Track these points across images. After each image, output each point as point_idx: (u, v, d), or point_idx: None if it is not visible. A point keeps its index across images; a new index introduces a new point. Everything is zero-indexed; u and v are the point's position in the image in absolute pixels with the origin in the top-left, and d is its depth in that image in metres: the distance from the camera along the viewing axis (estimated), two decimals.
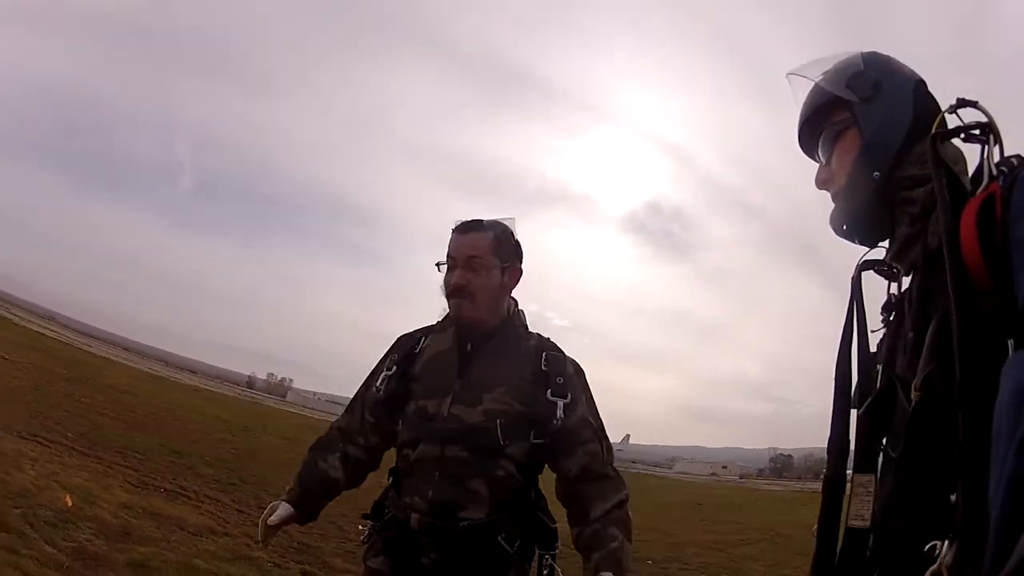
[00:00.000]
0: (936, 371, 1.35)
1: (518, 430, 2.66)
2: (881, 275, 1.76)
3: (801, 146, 1.91)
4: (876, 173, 1.63)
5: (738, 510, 32.41)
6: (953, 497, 1.17)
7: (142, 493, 10.46)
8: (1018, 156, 1.37)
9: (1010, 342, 1.17)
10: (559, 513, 2.82)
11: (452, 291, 2.80)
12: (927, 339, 1.41)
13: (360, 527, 3.01)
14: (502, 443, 2.63)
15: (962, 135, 1.46)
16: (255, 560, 8.23)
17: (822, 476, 1.69)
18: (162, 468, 13.57)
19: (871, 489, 1.51)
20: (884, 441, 1.57)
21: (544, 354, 2.80)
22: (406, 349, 2.94)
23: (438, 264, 2.88)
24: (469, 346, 2.81)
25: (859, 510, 1.51)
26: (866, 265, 1.75)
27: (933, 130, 1.46)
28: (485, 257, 2.81)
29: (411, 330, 3.06)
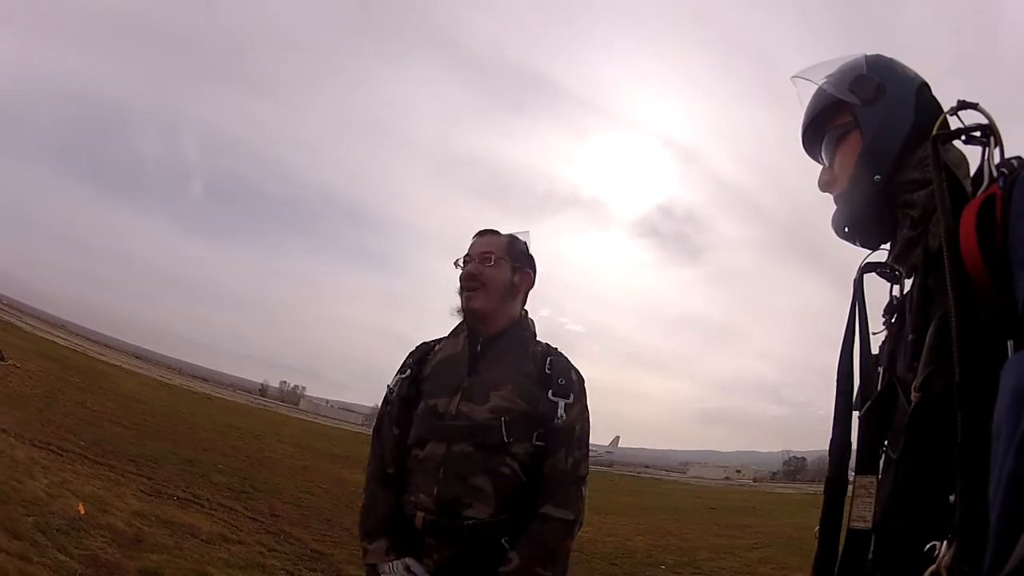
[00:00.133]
0: (935, 372, 1.36)
1: (522, 429, 2.70)
2: (883, 277, 1.78)
3: (805, 148, 1.92)
4: (877, 176, 1.64)
5: (751, 514, 32.43)
6: (952, 498, 1.17)
7: (155, 501, 10.48)
8: (1019, 158, 1.37)
9: (1010, 343, 1.17)
10: None
11: (464, 280, 2.93)
12: (927, 341, 1.42)
13: None
14: (506, 440, 2.67)
15: (963, 137, 1.47)
16: (268, 568, 8.27)
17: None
18: (175, 476, 13.60)
19: (872, 490, 1.53)
20: (885, 443, 1.58)
21: (549, 359, 2.86)
22: (421, 354, 3.03)
23: (456, 262, 3.00)
24: (479, 347, 2.88)
25: (861, 511, 1.52)
26: (868, 267, 1.78)
27: (934, 132, 1.47)
28: (498, 254, 2.95)
29: (430, 339, 3.12)
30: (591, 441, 2.91)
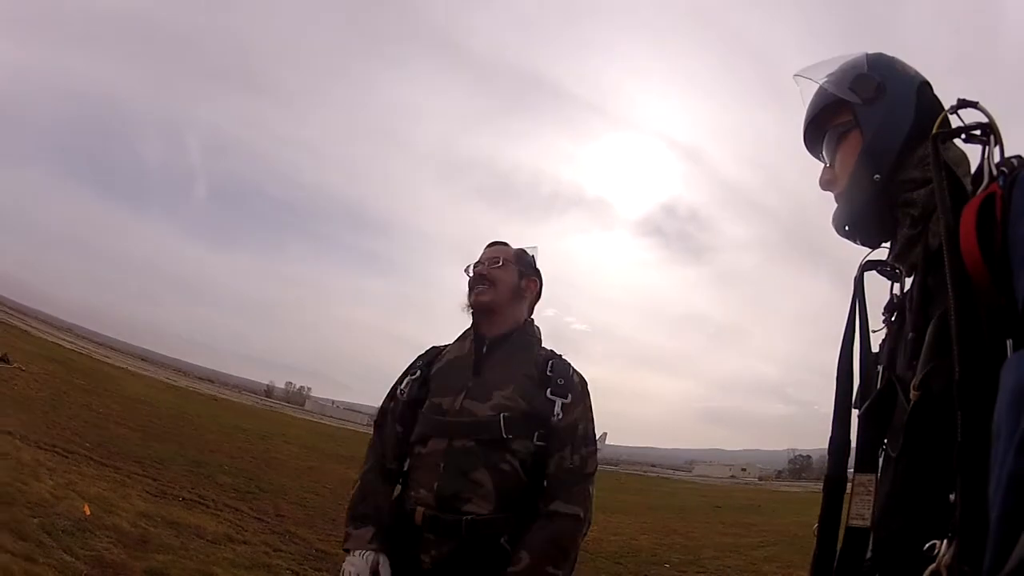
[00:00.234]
0: (934, 371, 1.36)
1: (522, 426, 2.75)
2: (884, 276, 1.79)
3: (807, 147, 1.93)
4: (877, 176, 1.65)
5: (757, 512, 32.42)
6: (952, 496, 1.17)
7: (160, 502, 10.48)
8: (1019, 157, 1.37)
9: (1009, 342, 1.17)
10: None
11: (474, 278, 3.07)
12: (926, 339, 1.43)
13: None
14: (505, 436, 2.71)
15: (963, 136, 1.47)
16: (273, 568, 8.28)
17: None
18: (180, 477, 13.59)
19: (871, 489, 1.53)
20: (885, 441, 1.58)
21: (551, 362, 2.92)
22: (430, 357, 3.13)
23: (467, 268, 3.13)
24: (484, 349, 2.97)
25: (859, 509, 1.53)
26: (868, 265, 1.78)
27: (934, 130, 1.46)
28: (507, 258, 3.11)
29: (440, 344, 3.21)
30: None
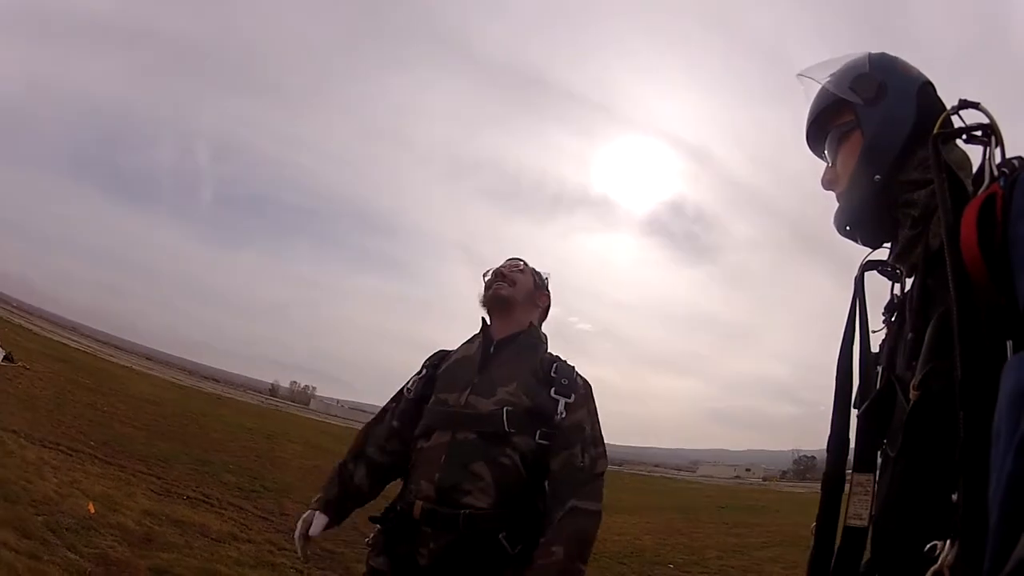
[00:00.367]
0: (934, 371, 1.36)
1: (524, 422, 2.79)
2: (884, 276, 1.78)
3: (809, 147, 1.94)
4: (877, 176, 1.65)
5: (761, 513, 32.40)
6: (954, 497, 1.16)
7: (165, 500, 10.50)
8: (1020, 158, 1.37)
9: (1009, 343, 1.16)
10: None
11: (494, 275, 3.21)
12: (926, 339, 1.43)
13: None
14: (507, 429, 2.76)
15: (964, 136, 1.47)
16: (277, 566, 8.28)
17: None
18: (185, 476, 13.60)
19: (869, 488, 1.54)
20: (884, 441, 1.58)
21: (555, 364, 2.99)
22: (437, 359, 3.22)
23: (484, 273, 3.28)
24: (492, 349, 3.05)
25: (857, 509, 1.53)
26: (869, 265, 1.78)
27: (935, 131, 1.46)
28: (525, 267, 3.29)
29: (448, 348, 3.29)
30: None
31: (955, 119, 1.50)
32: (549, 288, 3.37)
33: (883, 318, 1.75)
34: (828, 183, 1.83)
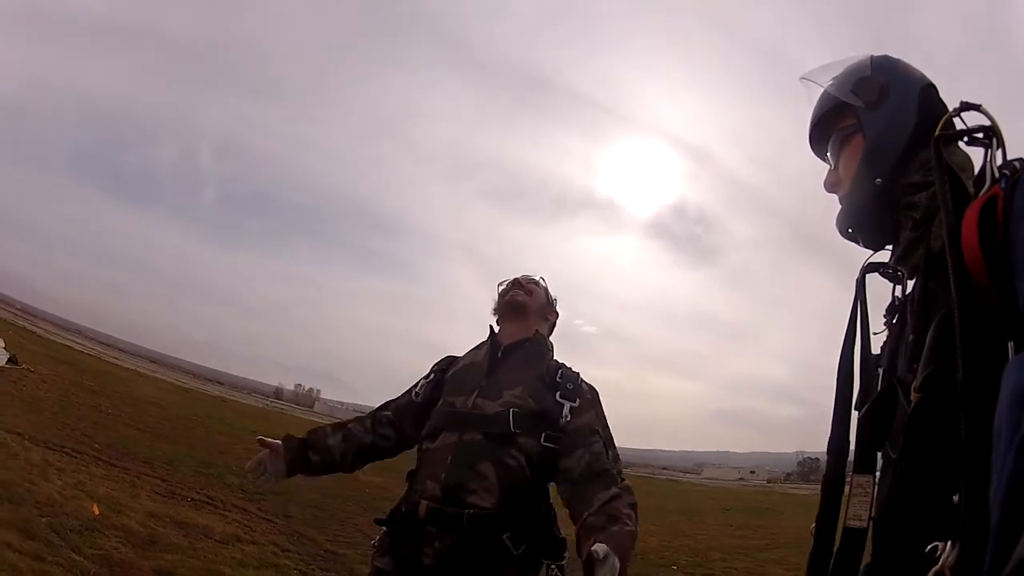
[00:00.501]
0: (935, 373, 1.36)
1: (530, 424, 2.82)
2: (885, 278, 1.78)
3: (812, 150, 1.94)
4: (878, 179, 1.64)
5: (765, 515, 32.37)
6: (955, 498, 1.16)
7: (169, 502, 10.52)
8: (1021, 159, 1.37)
9: (1010, 344, 1.16)
10: (569, 528, 2.84)
11: (511, 284, 3.35)
12: (927, 341, 1.42)
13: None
14: (513, 430, 2.79)
15: (965, 138, 1.47)
16: (281, 568, 8.31)
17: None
18: (189, 478, 13.63)
19: (869, 490, 1.54)
20: (886, 443, 1.57)
21: (560, 370, 3.04)
22: (445, 364, 3.32)
23: (500, 283, 3.42)
24: (500, 354, 3.12)
25: (857, 510, 1.53)
26: (871, 267, 1.78)
27: (936, 133, 1.46)
28: (539, 283, 3.42)
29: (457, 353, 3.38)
30: None
31: (957, 121, 1.49)
32: (558, 308, 3.47)
33: (884, 320, 1.75)
34: (831, 186, 1.83)
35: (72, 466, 11.12)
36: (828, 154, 1.86)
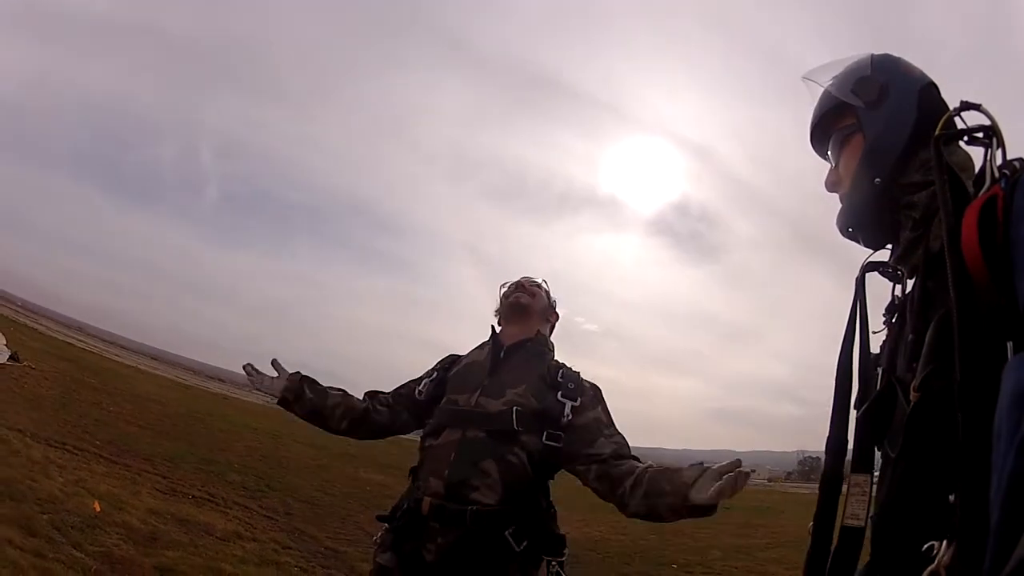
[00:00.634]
0: (934, 372, 1.36)
1: (532, 423, 2.86)
2: (885, 277, 1.79)
3: (814, 149, 1.95)
4: (877, 179, 1.65)
5: (765, 514, 32.37)
6: (951, 497, 1.17)
7: (170, 500, 10.54)
8: (1021, 159, 1.37)
9: (1009, 344, 1.17)
10: (568, 526, 2.93)
11: (515, 286, 3.44)
12: (926, 340, 1.42)
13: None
14: (516, 428, 2.83)
15: (965, 138, 1.48)
16: (282, 565, 8.33)
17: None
18: (190, 475, 13.64)
19: (867, 489, 1.54)
20: (885, 442, 1.58)
21: (561, 370, 3.10)
22: (449, 361, 3.39)
23: (502, 285, 3.52)
24: (502, 354, 3.18)
25: (855, 509, 1.54)
26: (871, 267, 1.79)
27: (936, 132, 1.46)
28: (541, 285, 3.51)
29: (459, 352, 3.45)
30: None
31: (957, 121, 1.50)
32: (558, 308, 3.54)
33: (884, 319, 1.75)
34: (831, 185, 1.84)
35: (73, 463, 11.15)
36: (829, 153, 1.87)
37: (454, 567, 2.72)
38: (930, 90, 1.69)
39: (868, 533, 1.53)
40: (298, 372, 3.44)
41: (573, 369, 3.14)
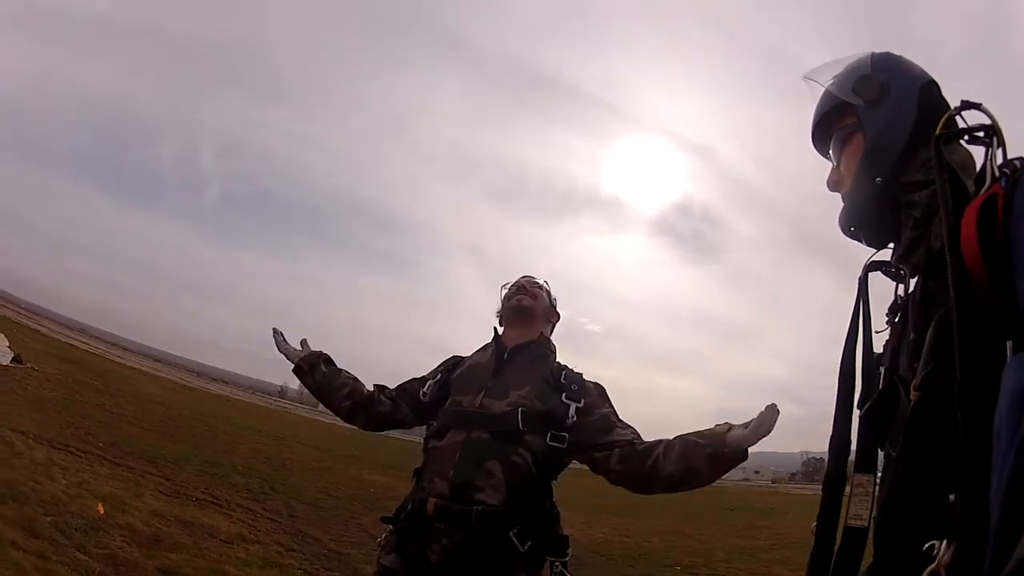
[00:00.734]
0: (935, 371, 1.36)
1: (536, 423, 2.89)
2: (888, 276, 1.78)
3: (816, 148, 1.95)
4: (878, 178, 1.65)
5: (769, 515, 32.32)
6: (952, 497, 1.17)
7: (174, 502, 10.52)
8: (1022, 158, 1.37)
9: (1009, 344, 1.16)
10: (571, 527, 2.94)
11: (517, 288, 3.44)
12: (927, 339, 1.42)
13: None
14: (521, 428, 2.85)
15: (966, 137, 1.47)
16: (286, 567, 8.32)
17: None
18: (194, 478, 13.62)
19: (870, 489, 1.53)
20: (887, 442, 1.58)
21: (564, 372, 3.15)
22: (452, 363, 3.39)
23: (504, 286, 3.55)
24: (505, 355, 3.21)
25: (858, 509, 1.53)
26: (873, 266, 1.77)
27: (937, 132, 1.46)
28: (543, 286, 3.53)
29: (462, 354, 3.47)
30: None
31: (958, 120, 1.50)
32: (559, 308, 3.57)
33: (887, 319, 1.75)
34: (833, 184, 1.84)
35: (76, 465, 11.13)
36: (830, 153, 1.87)
37: (459, 567, 2.73)
38: (931, 88, 1.69)
39: (871, 533, 1.53)
40: (321, 351, 3.56)
41: (575, 371, 3.16)
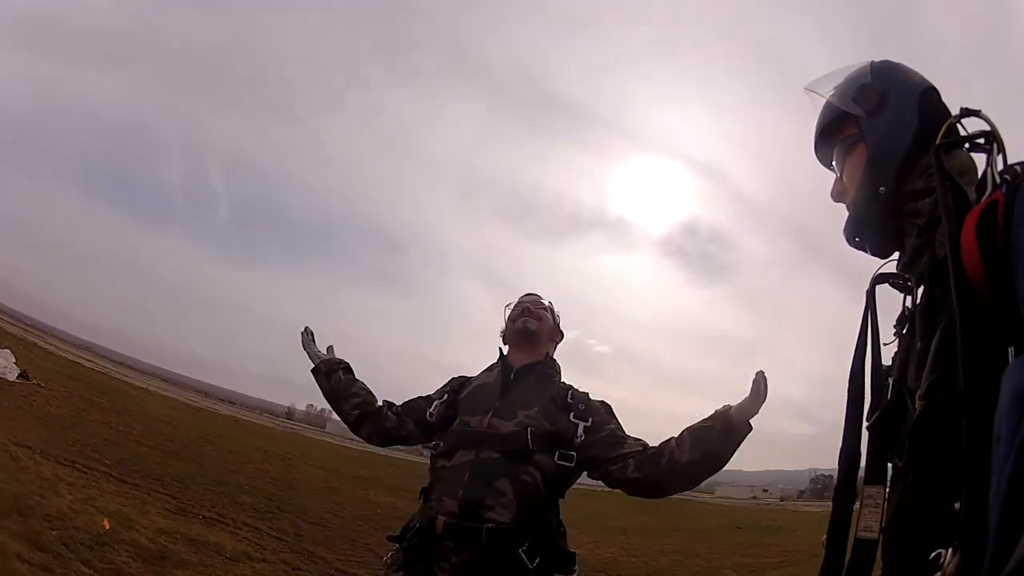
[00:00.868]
0: (939, 381, 1.37)
1: (545, 443, 2.91)
2: (896, 288, 1.77)
3: (819, 160, 1.95)
4: (882, 188, 1.66)
5: (778, 533, 32.27)
6: (957, 505, 1.17)
7: (180, 519, 10.54)
8: (1022, 164, 1.37)
9: (1010, 349, 1.17)
10: (577, 545, 2.96)
11: (522, 311, 3.46)
12: (931, 349, 1.43)
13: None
14: (531, 447, 2.87)
15: (966, 145, 1.48)
16: None
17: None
18: (200, 496, 13.65)
19: (879, 500, 1.54)
20: (894, 453, 1.57)
21: (570, 391, 3.18)
22: (458, 383, 3.40)
23: (507, 305, 3.59)
24: (512, 376, 3.24)
25: (868, 521, 1.54)
26: (880, 278, 1.77)
27: (937, 140, 1.47)
28: (547, 305, 3.57)
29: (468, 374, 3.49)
30: None
31: (958, 127, 1.50)
32: (563, 327, 3.60)
33: (895, 330, 1.75)
34: (837, 195, 1.84)
35: (82, 481, 11.16)
36: (834, 164, 1.87)
37: None
38: (930, 94, 1.69)
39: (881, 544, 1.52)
40: (343, 359, 3.72)
41: (581, 390, 3.20)
